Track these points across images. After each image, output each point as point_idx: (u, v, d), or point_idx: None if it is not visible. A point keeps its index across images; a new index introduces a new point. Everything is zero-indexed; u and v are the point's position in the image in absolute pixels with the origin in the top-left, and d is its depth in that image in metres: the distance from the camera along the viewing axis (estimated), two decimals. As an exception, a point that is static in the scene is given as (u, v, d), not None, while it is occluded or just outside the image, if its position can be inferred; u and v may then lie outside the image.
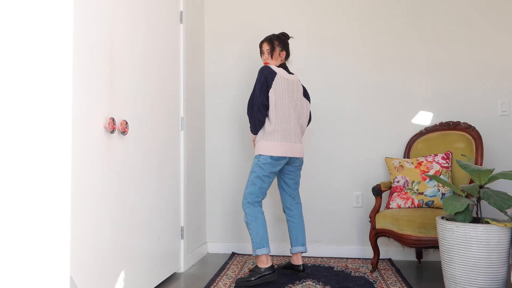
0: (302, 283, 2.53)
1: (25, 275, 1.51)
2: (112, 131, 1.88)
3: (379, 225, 2.70)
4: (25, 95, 1.55)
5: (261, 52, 2.76)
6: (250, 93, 3.28)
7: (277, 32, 3.36)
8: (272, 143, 2.58)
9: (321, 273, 2.75)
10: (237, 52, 3.42)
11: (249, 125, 3.17)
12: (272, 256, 3.26)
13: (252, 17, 3.43)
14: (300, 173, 2.79)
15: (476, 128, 3.02)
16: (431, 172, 2.76)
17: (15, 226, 1.52)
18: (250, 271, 2.57)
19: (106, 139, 1.87)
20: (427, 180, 2.75)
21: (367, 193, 3.22)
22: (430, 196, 2.72)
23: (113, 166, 1.94)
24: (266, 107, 2.58)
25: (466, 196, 2.25)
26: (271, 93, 2.57)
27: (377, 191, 2.80)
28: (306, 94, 2.82)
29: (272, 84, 2.58)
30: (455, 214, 2.09)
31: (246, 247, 3.33)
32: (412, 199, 2.75)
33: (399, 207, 2.76)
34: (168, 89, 2.66)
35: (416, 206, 2.73)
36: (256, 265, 2.57)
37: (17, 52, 1.56)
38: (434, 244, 2.42)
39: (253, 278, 2.51)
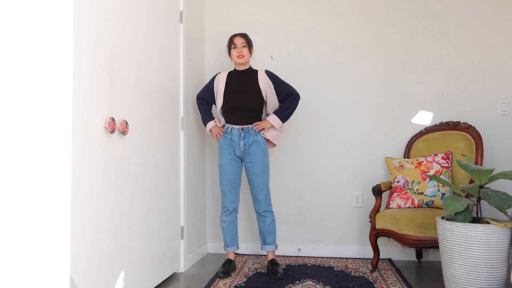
0: (302, 283, 2.54)
1: (25, 275, 1.51)
2: (112, 131, 1.88)
3: (379, 225, 2.70)
4: (26, 95, 1.55)
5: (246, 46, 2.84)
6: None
7: (277, 32, 3.37)
8: None
9: (321, 273, 2.75)
10: (237, 52, 3.41)
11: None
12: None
13: (252, 17, 3.42)
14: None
15: (476, 128, 3.02)
16: (431, 172, 2.76)
17: (15, 226, 1.52)
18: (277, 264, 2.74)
19: (106, 139, 1.87)
20: (427, 180, 2.75)
21: (367, 193, 3.22)
22: (430, 196, 2.72)
23: (113, 166, 1.94)
24: None
25: (466, 196, 2.25)
26: None
27: (377, 191, 2.80)
28: None
29: None
30: (455, 214, 2.08)
31: (246, 247, 3.33)
32: (412, 199, 2.74)
33: (399, 207, 2.76)
34: (168, 89, 2.66)
35: (416, 206, 2.73)
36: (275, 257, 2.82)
37: (17, 52, 1.56)
38: (434, 244, 2.42)
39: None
